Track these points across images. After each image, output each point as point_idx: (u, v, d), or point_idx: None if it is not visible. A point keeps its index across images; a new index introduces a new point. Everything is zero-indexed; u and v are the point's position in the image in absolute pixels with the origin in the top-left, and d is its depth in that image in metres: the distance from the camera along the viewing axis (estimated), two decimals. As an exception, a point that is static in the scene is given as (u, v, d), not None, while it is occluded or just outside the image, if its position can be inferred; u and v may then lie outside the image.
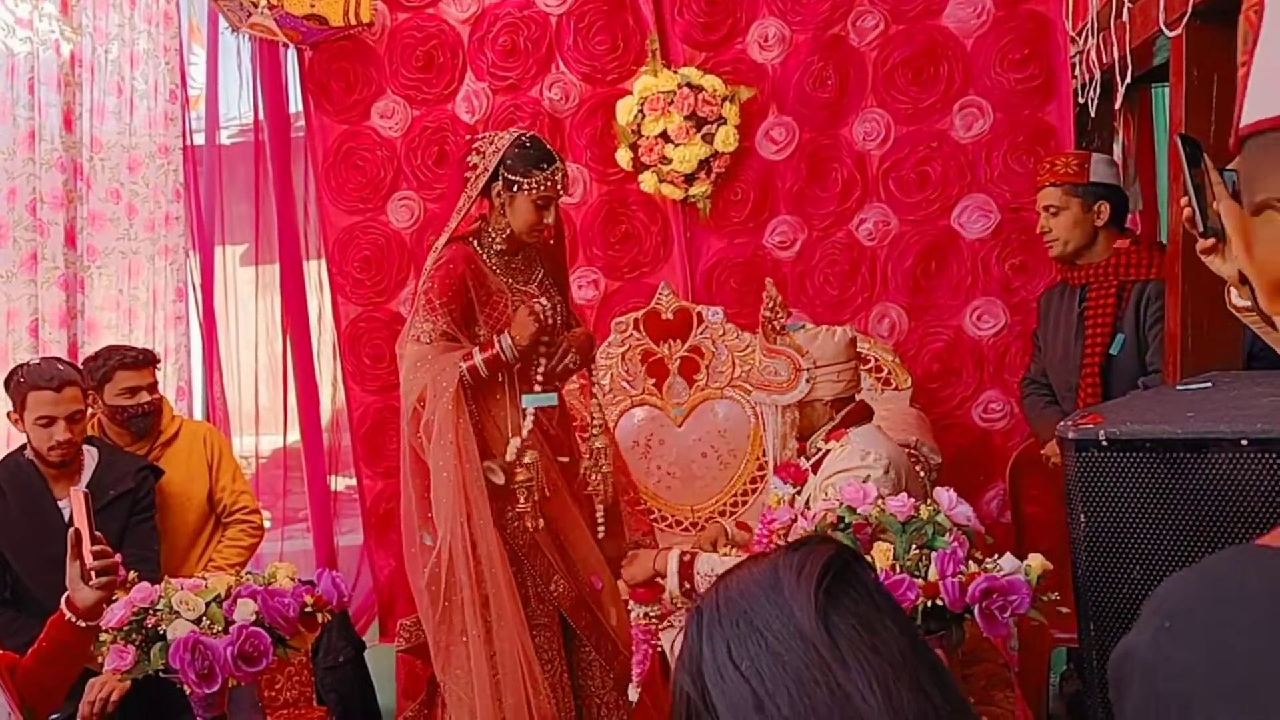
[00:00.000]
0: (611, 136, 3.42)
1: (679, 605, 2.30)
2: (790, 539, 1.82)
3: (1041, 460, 2.95)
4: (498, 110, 3.46)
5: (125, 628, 1.94)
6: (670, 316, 3.27)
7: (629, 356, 3.28)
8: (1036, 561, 1.84)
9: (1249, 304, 0.65)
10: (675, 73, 3.34)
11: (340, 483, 3.85)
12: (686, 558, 2.25)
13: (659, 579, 2.30)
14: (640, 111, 3.33)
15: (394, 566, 3.43)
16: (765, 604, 0.74)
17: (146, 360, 2.96)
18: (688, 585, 2.22)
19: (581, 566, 2.61)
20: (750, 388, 3.14)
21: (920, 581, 1.79)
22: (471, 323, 2.55)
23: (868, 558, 1.67)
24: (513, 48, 3.43)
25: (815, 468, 2.33)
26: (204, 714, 1.98)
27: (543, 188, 2.48)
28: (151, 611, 1.95)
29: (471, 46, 3.45)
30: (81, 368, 2.87)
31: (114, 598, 1.96)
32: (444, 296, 2.48)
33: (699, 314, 3.26)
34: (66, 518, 2.65)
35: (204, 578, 2.08)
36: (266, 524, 3.24)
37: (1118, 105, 3.20)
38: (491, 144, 2.52)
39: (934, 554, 1.82)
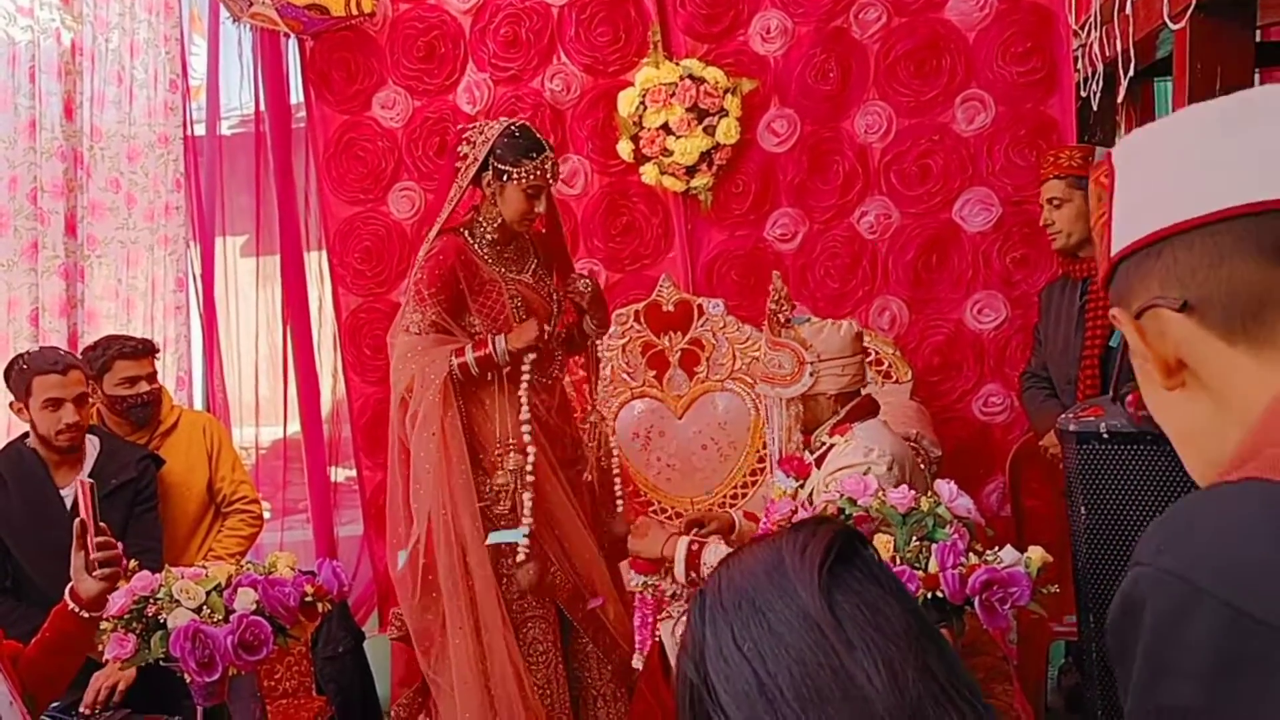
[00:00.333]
0: (613, 128, 3.41)
1: (682, 594, 2.30)
2: (792, 528, 1.82)
3: (1041, 453, 2.96)
4: (499, 101, 3.45)
5: (126, 616, 1.94)
6: (671, 308, 3.27)
7: (629, 348, 3.28)
8: (1036, 554, 1.84)
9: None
10: (677, 64, 3.33)
11: (340, 474, 3.85)
12: (695, 546, 2.25)
13: (666, 565, 2.29)
14: (642, 103, 3.32)
15: (394, 558, 3.43)
16: (768, 586, 0.73)
17: (146, 350, 2.95)
18: (694, 574, 2.22)
19: (578, 561, 2.61)
20: (751, 380, 3.14)
21: (921, 573, 1.80)
22: (463, 313, 2.55)
23: (868, 548, 1.66)
24: (514, 39, 3.42)
25: (819, 462, 2.32)
26: (204, 702, 1.98)
27: (532, 176, 2.47)
28: (152, 600, 1.96)
29: (473, 37, 3.44)
30: (80, 357, 2.87)
31: (116, 588, 1.96)
32: (433, 288, 2.49)
33: (700, 306, 3.26)
34: (68, 506, 2.65)
35: (204, 567, 2.08)
36: (266, 514, 3.24)
37: (1120, 99, 3.21)
38: (481, 134, 2.52)
39: (934, 546, 1.82)
